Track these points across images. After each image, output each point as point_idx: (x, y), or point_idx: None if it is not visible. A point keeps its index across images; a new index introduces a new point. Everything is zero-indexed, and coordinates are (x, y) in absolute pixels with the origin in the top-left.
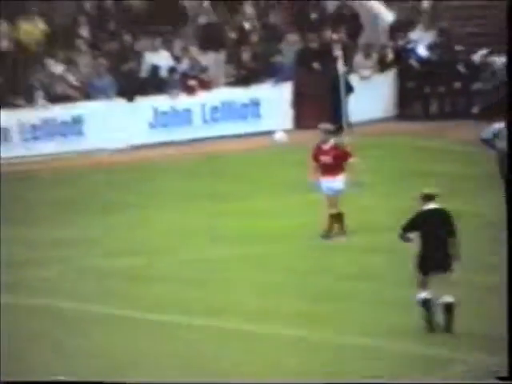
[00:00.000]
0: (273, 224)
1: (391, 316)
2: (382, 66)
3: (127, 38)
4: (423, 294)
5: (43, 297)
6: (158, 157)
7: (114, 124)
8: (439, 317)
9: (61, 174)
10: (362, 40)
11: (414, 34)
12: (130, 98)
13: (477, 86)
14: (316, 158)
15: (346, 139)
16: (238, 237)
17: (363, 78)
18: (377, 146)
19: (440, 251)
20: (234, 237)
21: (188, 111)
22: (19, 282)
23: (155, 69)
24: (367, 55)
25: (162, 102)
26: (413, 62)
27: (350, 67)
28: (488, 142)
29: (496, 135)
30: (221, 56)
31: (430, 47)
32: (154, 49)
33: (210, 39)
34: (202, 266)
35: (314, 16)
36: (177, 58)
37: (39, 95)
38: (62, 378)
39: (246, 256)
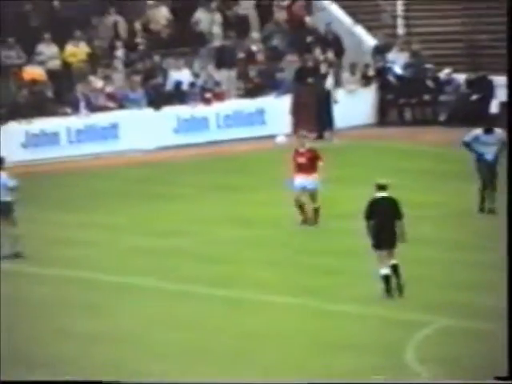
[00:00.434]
0: (275, 211)
1: (373, 286)
2: (365, 81)
3: (155, 58)
4: (384, 271)
5: (89, 271)
6: (181, 156)
7: (144, 129)
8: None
9: (101, 170)
10: (348, 60)
11: (391, 55)
12: (158, 108)
13: (443, 97)
14: (294, 159)
15: (334, 141)
16: (247, 222)
17: (349, 91)
18: (360, 147)
19: (389, 231)
20: (244, 222)
21: (205, 119)
22: (69, 259)
23: (178, 83)
24: (353, 72)
25: (183, 111)
26: (390, 78)
27: (337, 82)
28: (468, 145)
29: (476, 139)
30: (232, 73)
31: (405, 66)
32: (178, 67)
33: (223, 59)
34: (217, 246)
35: (309, 39)
36: (196, 75)
37: (83, 105)
38: (61, 379)
39: (254, 237)
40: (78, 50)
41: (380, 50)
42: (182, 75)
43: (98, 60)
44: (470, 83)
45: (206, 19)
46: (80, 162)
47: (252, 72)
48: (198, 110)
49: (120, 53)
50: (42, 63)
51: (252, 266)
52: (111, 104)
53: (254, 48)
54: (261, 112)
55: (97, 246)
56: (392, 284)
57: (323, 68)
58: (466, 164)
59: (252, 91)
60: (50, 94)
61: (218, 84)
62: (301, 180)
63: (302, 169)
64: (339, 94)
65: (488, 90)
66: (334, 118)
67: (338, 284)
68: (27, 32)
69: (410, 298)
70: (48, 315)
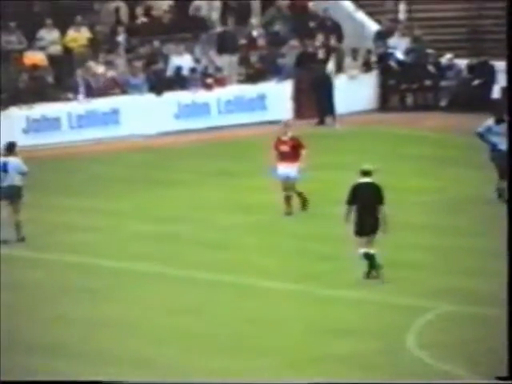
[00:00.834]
0: (275, 197)
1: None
2: (367, 67)
3: (157, 43)
4: (362, 250)
5: (90, 256)
6: (182, 142)
7: (145, 115)
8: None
9: (102, 156)
10: (350, 45)
11: (393, 41)
12: (159, 93)
13: (444, 83)
14: (276, 147)
15: (336, 127)
16: (248, 207)
17: (351, 77)
18: (361, 133)
19: (370, 217)
20: (244, 207)
21: (206, 104)
22: (71, 244)
23: (179, 69)
24: (354, 58)
25: (184, 96)
26: (392, 64)
27: (339, 68)
28: (482, 136)
29: (489, 130)
30: (234, 58)
31: (406, 51)
32: (179, 52)
33: (224, 44)
34: (218, 232)
35: (311, 25)
36: (197, 60)
37: (82, 91)
38: (61, 379)
39: (254, 223)
40: (79, 36)
41: (382, 36)
42: (183, 61)
43: (100, 45)
44: (471, 68)
45: (206, 4)
46: (81, 147)
47: (253, 57)
48: (198, 95)
49: (121, 38)
50: (42, 48)
51: (253, 252)
52: (112, 89)
53: (255, 33)
54: (262, 97)
55: (98, 231)
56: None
57: (321, 53)
58: (466, 150)
59: (253, 77)
60: (50, 79)
61: (219, 69)
62: (284, 169)
63: (284, 157)
64: (341, 80)
65: (490, 76)
66: (335, 103)
67: (339, 269)
68: (29, 17)
69: (411, 283)
70: (49, 300)
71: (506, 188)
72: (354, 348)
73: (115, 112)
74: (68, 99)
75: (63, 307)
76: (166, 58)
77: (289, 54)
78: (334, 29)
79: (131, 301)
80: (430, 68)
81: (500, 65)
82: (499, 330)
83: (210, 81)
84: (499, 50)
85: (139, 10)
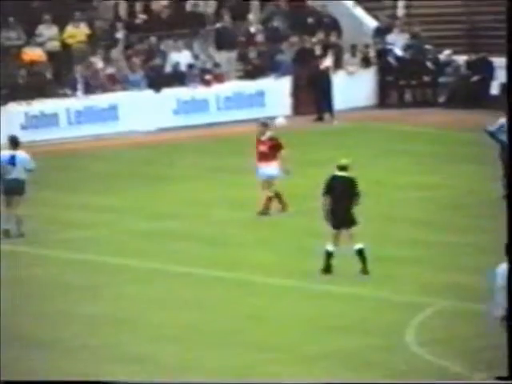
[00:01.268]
0: None
1: (373, 268)
2: (366, 63)
3: (155, 39)
4: (329, 247)
5: (89, 253)
6: (181, 138)
7: (144, 111)
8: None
9: (100, 152)
10: (349, 41)
11: (392, 37)
12: (158, 90)
13: (442, 79)
14: (256, 147)
15: (334, 123)
16: (246, 204)
17: (350, 73)
18: (360, 129)
19: (345, 210)
20: (243, 204)
21: (205, 100)
22: (70, 241)
23: (178, 65)
24: (353, 54)
25: (183, 92)
26: (391, 60)
27: (338, 64)
28: (493, 135)
29: (500, 129)
30: (232, 54)
31: (405, 47)
32: (177, 48)
33: (223, 40)
34: (216, 228)
35: (310, 21)
36: (196, 56)
37: (80, 87)
38: (61, 379)
39: (253, 219)
40: (78, 31)
41: (380, 32)
42: (181, 57)
43: (98, 41)
44: (470, 65)
45: (203, 0)
46: (79, 143)
47: (252, 54)
48: (197, 91)
49: (120, 34)
50: (41, 44)
51: (251, 248)
52: (111, 85)
53: (253, 29)
54: (261, 94)
55: (96, 227)
56: (332, 262)
57: (318, 50)
58: (465, 146)
59: (252, 73)
60: (49, 75)
61: (217, 66)
62: (263, 169)
63: (262, 157)
64: (339, 76)
65: (488, 72)
66: (333, 100)
67: (337, 266)
68: (27, 13)
69: (409, 280)
70: (49, 297)
71: (506, 186)
72: (352, 345)
73: (114, 108)
74: (66, 95)
75: (62, 303)
76: (164, 54)
77: (287, 50)
78: (332, 25)
79: (130, 297)
80: (429, 64)
81: (499, 61)
82: (497, 326)
83: (208, 77)
84: (498, 46)
85: (138, 6)
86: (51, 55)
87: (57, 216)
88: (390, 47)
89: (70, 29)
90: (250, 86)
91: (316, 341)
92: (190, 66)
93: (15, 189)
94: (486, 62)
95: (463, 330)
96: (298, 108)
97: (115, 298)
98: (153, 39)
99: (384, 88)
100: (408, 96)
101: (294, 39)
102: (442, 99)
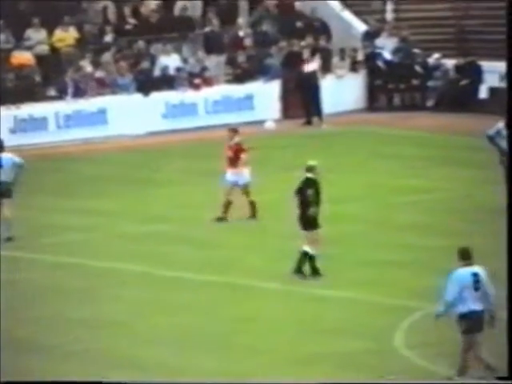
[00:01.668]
0: (263, 197)
1: (363, 272)
2: (354, 66)
3: (144, 43)
4: (305, 247)
5: (79, 257)
6: (170, 142)
7: (132, 114)
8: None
9: (89, 156)
10: (337, 45)
11: (380, 41)
12: (146, 93)
13: (431, 83)
14: (228, 153)
15: (323, 127)
16: (236, 207)
17: (338, 76)
18: (349, 133)
19: (312, 212)
20: (232, 207)
21: (194, 104)
22: (59, 245)
23: (167, 69)
24: (342, 58)
25: (172, 96)
26: (379, 64)
27: (327, 68)
28: (492, 140)
29: (498, 133)
30: (221, 58)
31: (393, 51)
32: (166, 52)
33: (211, 44)
34: (206, 231)
35: (299, 25)
36: (185, 60)
37: (70, 91)
38: (61, 379)
39: (242, 222)
40: (66, 35)
41: (369, 36)
42: (170, 61)
43: (87, 45)
44: (458, 68)
45: (191, 4)
46: (68, 147)
47: (241, 57)
48: (186, 95)
49: (109, 38)
50: (30, 48)
51: (242, 252)
52: (100, 89)
53: (242, 33)
54: (249, 97)
55: (87, 231)
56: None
57: (305, 53)
58: (454, 150)
59: (241, 77)
60: (38, 79)
61: (206, 69)
62: (230, 174)
63: (230, 163)
64: (328, 80)
65: (477, 76)
66: (321, 103)
67: (327, 270)
68: (16, 17)
69: (400, 283)
70: (40, 301)
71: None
72: (342, 348)
73: (103, 112)
74: (55, 99)
75: (54, 307)
76: (153, 58)
77: (276, 54)
78: (322, 29)
79: (121, 301)
80: (418, 68)
81: (487, 65)
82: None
83: (197, 81)
84: (487, 50)
85: (127, 10)
86: (40, 59)
87: (46, 220)
88: (378, 51)
89: (58, 32)
90: (238, 90)
91: (308, 344)
92: (179, 70)
93: (3, 192)
94: (474, 66)
95: (452, 334)
96: (287, 112)
97: (107, 301)
98: (141, 43)
99: (373, 92)
100: (397, 100)
101: (283, 44)
102: (430, 103)
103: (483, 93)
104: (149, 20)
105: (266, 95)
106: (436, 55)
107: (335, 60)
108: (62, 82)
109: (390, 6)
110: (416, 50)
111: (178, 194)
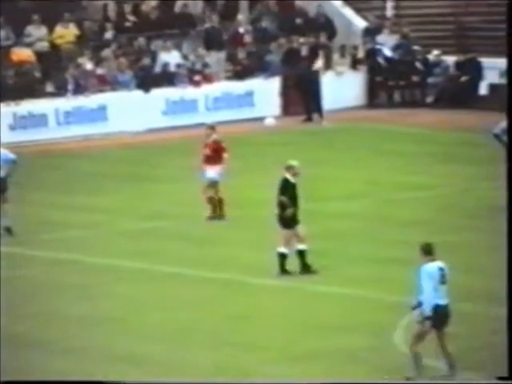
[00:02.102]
0: (263, 194)
1: (362, 268)
2: (355, 63)
3: (144, 40)
4: (282, 249)
5: (78, 253)
6: (170, 138)
7: (133, 111)
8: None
9: (89, 152)
10: (338, 42)
11: (381, 38)
12: (147, 90)
13: (431, 79)
14: (205, 150)
15: (323, 124)
16: (235, 204)
17: (339, 73)
18: (349, 130)
19: (289, 212)
20: (232, 204)
21: (194, 101)
22: (58, 241)
23: (167, 66)
24: (342, 55)
25: (172, 93)
26: (380, 60)
27: (328, 65)
28: (498, 137)
29: (504, 131)
30: (221, 55)
31: (394, 48)
32: (166, 49)
33: (211, 41)
34: (205, 228)
35: (298, 21)
36: (185, 57)
37: (70, 88)
38: (61, 379)
39: (241, 219)
40: (67, 32)
41: (370, 33)
42: (171, 57)
43: (88, 42)
44: (458, 65)
45: (192, 1)
46: (68, 143)
47: (241, 54)
48: (186, 92)
49: (109, 35)
50: (30, 45)
51: (241, 248)
52: (100, 86)
53: (242, 30)
54: (250, 94)
55: (86, 227)
56: (287, 264)
57: (307, 51)
58: (454, 146)
59: (241, 73)
60: (38, 75)
61: (206, 66)
62: (207, 171)
63: (206, 160)
64: (328, 76)
65: (477, 72)
66: (322, 100)
67: (327, 266)
68: (16, 13)
69: (400, 280)
70: (39, 297)
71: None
72: (342, 344)
73: (103, 108)
74: (55, 96)
75: (53, 304)
76: (153, 55)
77: (276, 51)
78: (326, 25)
79: (120, 297)
80: (418, 65)
81: (487, 61)
82: (488, 325)
83: (197, 77)
84: (487, 47)
85: (127, 7)
86: (40, 55)
87: (45, 216)
88: (378, 47)
89: (58, 29)
90: (239, 87)
91: (306, 340)
92: (179, 67)
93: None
94: (474, 63)
95: (453, 330)
96: (287, 108)
97: (104, 298)
98: (142, 40)
99: (373, 88)
100: (397, 96)
101: (282, 41)
102: (430, 99)
103: (483, 89)
104: (149, 17)
105: (267, 92)
106: (436, 52)
107: (335, 57)
108: (62, 79)
109: (390, 3)
110: (416, 47)
111: (177, 191)
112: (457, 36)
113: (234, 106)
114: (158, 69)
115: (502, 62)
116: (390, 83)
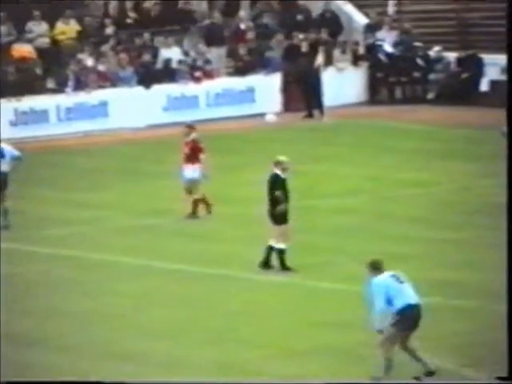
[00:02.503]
0: (262, 191)
1: (360, 264)
2: (356, 59)
3: (145, 36)
4: (272, 242)
5: (79, 249)
6: (171, 135)
7: (134, 107)
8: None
9: (90, 149)
10: (339, 38)
11: (382, 34)
12: (147, 86)
13: (432, 76)
14: (184, 149)
15: (324, 120)
16: (235, 200)
17: (340, 69)
18: (350, 126)
19: (279, 208)
20: (232, 200)
21: (195, 97)
22: (57, 237)
23: (168, 62)
24: (343, 51)
25: (173, 89)
26: (381, 57)
27: (328, 61)
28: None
29: None
30: (222, 51)
31: (395, 44)
32: (167, 45)
33: (212, 37)
34: (205, 224)
35: (299, 18)
36: (186, 53)
37: (71, 84)
38: (61, 379)
39: (242, 215)
40: (67, 28)
41: (371, 29)
42: (172, 53)
43: (88, 38)
44: (460, 61)
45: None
46: (69, 140)
47: (242, 50)
48: (187, 88)
49: (110, 31)
50: (30, 41)
51: (241, 244)
52: (101, 82)
53: (243, 26)
54: (251, 90)
55: (86, 223)
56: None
57: (307, 47)
58: (455, 143)
59: (242, 69)
60: (39, 71)
61: (207, 62)
62: (186, 170)
63: (185, 159)
64: (329, 73)
65: (478, 69)
66: (322, 96)
67: (325, 262)
68: (17, 9)
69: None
70: (38, 293)
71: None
72: (343, 340)
73: (104, 105)
74: (56, 92)
75: (52, 300)
76: (154, 51)
77: (277, 47)
78: (332, 21)
79: (120, 294)
80: (419, 61)
81: (488, 58)
82: (488, 322)
83: (198, 73)
84: (488, 43)
85: (128, 3)
86: (41, 52)
87: (45, 212)
88: (379, 43)
89: (59, 25)
90: (240, 83)
91: (307, 336)
92: (180, 63)
93: (4, 182)
94: (476, 59)
95: (454, 327)
96: (288, 104)
97: (104, 294)
98: (147, 35)
99: (374, 85)
100: (398, 93)
101: (280, 37)
102: (431, 96)
103: (484, 86)
104: (150, 13)
105: (267, 88)
106: (437, 48)
107: (336, 53)
108: (63, 75)
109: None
110: (417, 43)
111: (178, 187)
112: (458, 32)
113: (234, 102)
114: (158, 65)
115: (503, 59)
116: (391, 79)
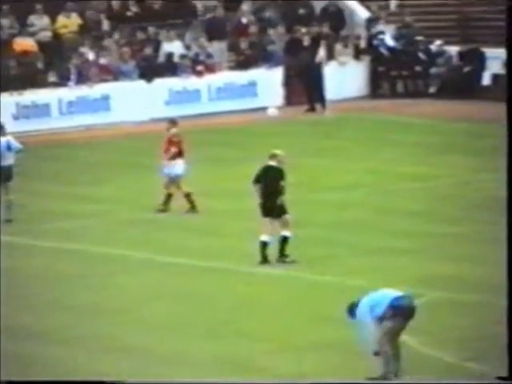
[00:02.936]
0: None
1: (363, 258)
2: (357, 53)
3: (147, 30)
4: (264, 237)
5: (81, 243)
6: None
7: (136, 101)
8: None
9: (92, 142)
10: (341, 32)
11: (383, 28)
12: (149, 80)
13: (434, 70)
14: (164, 144)
15: (326, 114)
16: (237, 194)
17: (342, 63)
18: (352, 120)
19: (275, 200)
20: (234, 194)
21: (197, 91)
22: (60, 231)
23: (170, 56)
24: (345, 45)
25: (175, 83)
26: (382, 51)
27: (330, 55)
28: None
29: None
30: (224, 45)
31: (396, 38)
32: (169, 39)
33: (214, 31)
34: (207, 218)
35: (301, 12)
36: (188, 47)
37: (73, 78)
38: (61, 379)
39: (244, 210)
40: (69, 22)
41: (373, 23)
42: (173, 47)
43: (90, 32)
44: (461, 55)
45: None
46: (71, 133)
47: (243, 44)
48: (189, 82)
49: (112, 24)
50: (32, 34)
51: (242, 238)
52: (103, 75)
53: (244, 20)
54: (252, 84)
55: (88, 217)
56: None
57: (309, 41)
58: (457, 136)
59: (243, 63)
60: (41, 65)
61: (209, 56)
62: (168, 166)
63: (168, 155)
64: (331, 67)
65: (480, 62)
66: (324, 90)
67: (326, 256)
68: (19, 3)
69: (401, 270)
70: (41, 287)
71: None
72: (343, 335)
73: (106, 98)
74: (58, 85)
75: (55, 294)
76: (156, 45)
77: (279, 41)
78: (335, 15)
79: (121, 287)
80: (421, 55)
81: (490, 52)
82: (488, 316)
83: (200, 67)
84: (490, 37)
85: None
86: (42, 45)
87: (48, 206)
88: (381, 37)
89: (61, 19)
90: (241, 77)
91: (308, 331)
92: (182, 57)
93: (9, 174)
94: (477, 53)
95: (454, 321)
96: (290, 98)
97: (106, 288)
98: (152, 29)
99: (376, 79)
100: (400, 86)
101: (281, 29)
102: (433, 90)
103: (486, 79)
104: (152, 7)
105: (269, 82)
106: (438, 42)
107: (338, 47)
108: (64, 69)
109: None
110: (419, 37)
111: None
112: (460, 26)
113: (236, 96)
114: (160, 59)
115: (504, 53)
116: (393, 73)
